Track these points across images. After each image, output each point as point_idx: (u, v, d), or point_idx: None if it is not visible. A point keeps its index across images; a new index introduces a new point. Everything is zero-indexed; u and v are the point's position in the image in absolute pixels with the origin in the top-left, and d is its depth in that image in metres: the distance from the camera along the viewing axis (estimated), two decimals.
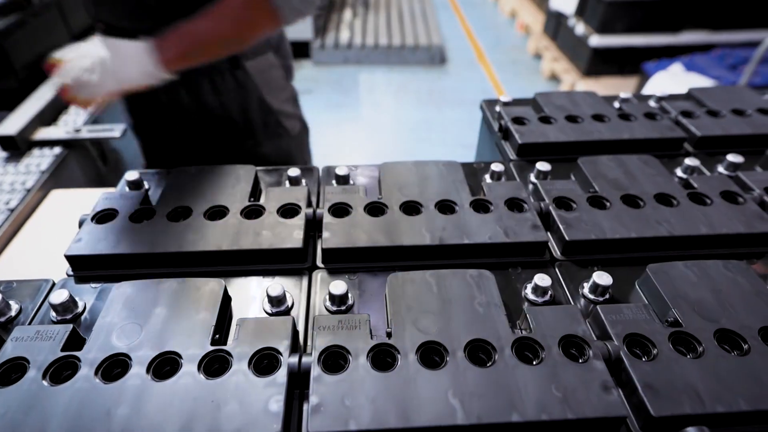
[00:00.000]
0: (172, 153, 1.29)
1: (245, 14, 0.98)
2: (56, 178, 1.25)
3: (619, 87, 3.83)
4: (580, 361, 0.58)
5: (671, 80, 3.31)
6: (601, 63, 3.97)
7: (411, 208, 0.81)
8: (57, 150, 1.30)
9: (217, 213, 0.79)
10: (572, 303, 0.70)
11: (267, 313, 0.68)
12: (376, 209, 0.81)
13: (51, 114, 1.41)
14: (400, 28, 4.79)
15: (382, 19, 4.94)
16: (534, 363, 0.58)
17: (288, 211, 0.80)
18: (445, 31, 5.25)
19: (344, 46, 4.45)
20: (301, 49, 4.47)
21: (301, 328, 0.67)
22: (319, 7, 1.08)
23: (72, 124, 1.40)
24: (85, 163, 1.37)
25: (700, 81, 3.23)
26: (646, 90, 3.39)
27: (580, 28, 3.94)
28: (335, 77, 4.33)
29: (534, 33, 4.80)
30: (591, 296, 0.70)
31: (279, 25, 1.04)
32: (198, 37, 0.98)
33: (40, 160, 1.26)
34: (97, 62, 0.93)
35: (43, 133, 1.32)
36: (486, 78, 4.48)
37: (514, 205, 0.82)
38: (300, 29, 4.28)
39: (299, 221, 0.77)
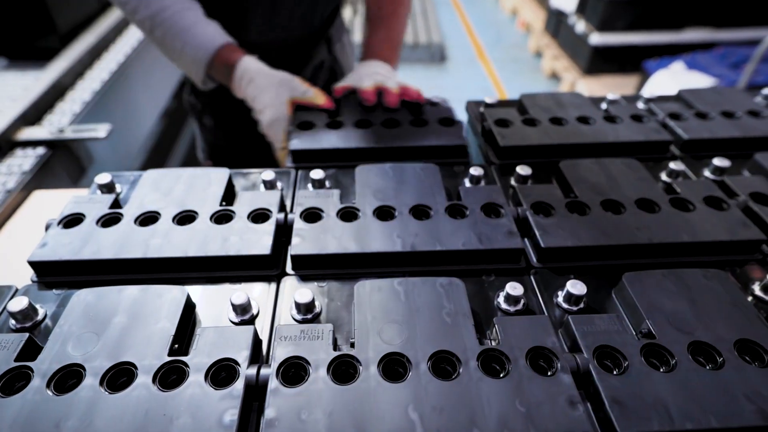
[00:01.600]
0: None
1: None
2: (39, 178, 1.24)
3: (620, 86, 3.79)
4: (549, 374, 0.56)
5: (672, 79, 3.27)
6: (601, 61, 3.93)
7: (385, 213, 0.79)
8: (40, 150, 1.29)
9: (187, 218, 0.78)
10: (546, 312, 0.68)
11: (231, 321, 0.66)
12: (349, 214, 0.79)
13: (35, 114, 1.40)
14: None
15: None
16: (501, 376, 0.56)
17: (259, 216, 0.79)
18: (445, 29, 5.22)
19: None
20: None
21: (266, 337, 0.65)
22: None
23: (56, 124, 1.39)
24: (70, 163, 1.36)
25: (702, 80, 3.19)
26: (646, 89, 3.36)
27: (580, 26, 3.91)
28: None
29: (535, 31, 4.77)
30: (565, 305, 0.68)
31: None
32: (400, 37, 1.23)
33: (23, 160, 1.25)
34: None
35: (27, 134, 1.31)
36: (486, 76, 4.46)
37: (491, 210, 0.80)
38: None
39: (269, 227, 0.75)
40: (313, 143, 0.98)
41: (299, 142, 0.97)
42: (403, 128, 1.03)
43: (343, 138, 0.99)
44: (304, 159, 0.98)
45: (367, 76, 1.12)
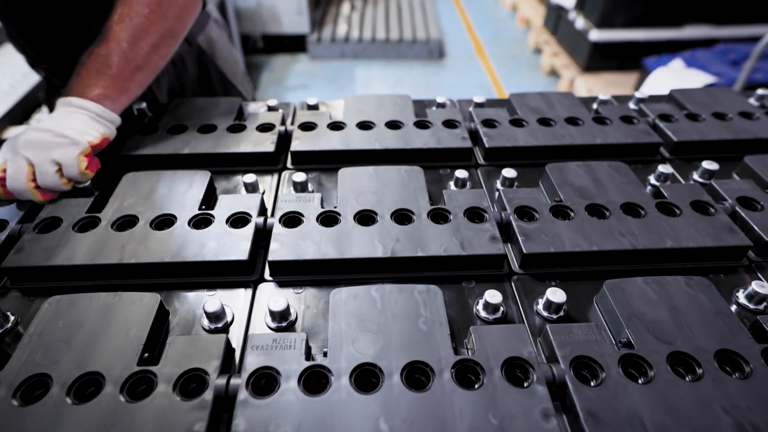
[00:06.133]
0: None
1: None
2: None
3: (619, 83, 3.76)
4: (524, 385, 0.55)
5: (671, 76, 3.24)
6: (600, 58, 3.90)
7: (366, 217, 0.78)
8: None
9: (165, 222, 0.76)
10: (525, 320, 0.67)
11: (205, 329, 0.65)
12: (329, 219, 0.78)
13: (22, 113, 1.39)
14: (399, 22, 4.73)
15: (381, 13, 4.88)
16: (475, 387, 0.55)
17: (239, 220, 0.77)
18: (444, 25, 5.19)
19: (341, 40, 4.40)
20: (297, 43, 4.43)
21: (240, 344, 0.64)
22: None
23: None
24: None
25: (701, 77, 3.16)
26: (646, 87, 3.33)
27: (580, 22, 3.87)
28: (331, 72, 4.29)
29: (534, 27, 4.73)
30: (545, 313, 0.67)
31: (198, 4, 0.96)
32: (122, 52, 0.84)
33: None
34: (25, 151, 0.78)
35: (13, 133, 1.30)
36: (485, 73, 4.43)
37: (474, 214, 0.79)
38: (296, 22, 4.24)
39: (248, 231, 0.74)
40: (313, 145, 0.95)
41: (299, 144, 0.96)
42: (405, 129, 0.99)
43: (344, 139, 0.96)
44: (304, 161, 0.96)
45: (29, 144, 0.78)
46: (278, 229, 0.74)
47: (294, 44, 4.46)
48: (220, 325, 0.65)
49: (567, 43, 4.18)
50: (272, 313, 0.64)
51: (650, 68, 3.42)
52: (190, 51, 1.26)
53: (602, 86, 3.73)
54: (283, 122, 1.04)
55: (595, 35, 3.70)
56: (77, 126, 0.81)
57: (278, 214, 0.77)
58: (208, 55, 1.29)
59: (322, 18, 4.71)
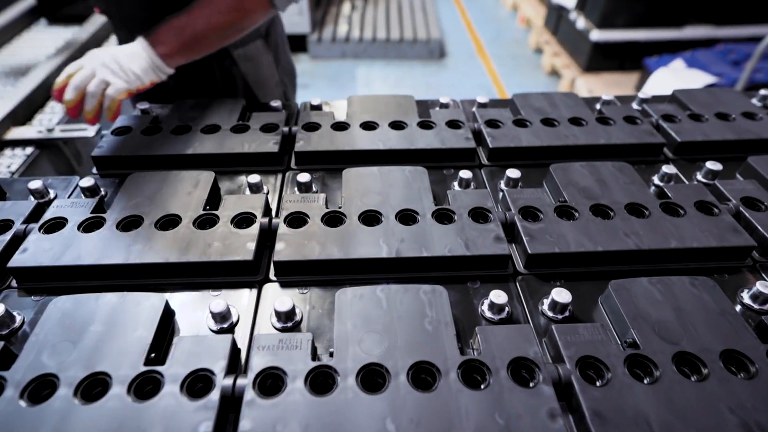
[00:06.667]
0: None
1: (239, 2, 1.03)
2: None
3: (620, 83, 3.76)
4: (530, 385, 0.55)
5: (672, 76, 3.24)
6: (601, 58, 3.90)
7: (371, 217, 0.78)
8: (29, 150, 1.27)
9: (170, 222, 0.76)
10: (530, 320, 0.67)
11: (210, 329, 0.65)
12: (334, 219, 0.78)
13: (24, 113, 1.39)
14: (399, 22, 4.73)
15: (381, 13, 4.88)
16: (481, 387, 0.55)
17: (243, 220, 0.77)
18: (445, 25, 5.19)
19: (342, 40, 4.40)
20: (298, 43, 4.42)
21: (246, 345, 0.64)
22: None
23: (46, 123, 1.38)
24: (59, 163, 1.35)
25: (702, 77, 3.16)
26: (647, 87, 3.33)
27: (580, 22, 3.87)
28: (332, 72, 4.29)
29: (535, 27, 4.73)
30: (550, 314, 0.67)
31: (271, 11, 1.07)
32: (195, 28, 1.03)
33: (11, 160, 1.24)
34: (98, 65, 0.98)
35: (16, 133, 1.30)
36: (485, 73, 4.43)
37: (479, 215, 0.79)
38: (297, 22, 4.24)
39: (253, 232, 0.74)
40: (317, 145, 0.96)
41: (303, 144, 0.96)
42: (409, 130, 0.99)
43: (348, 140, 0.97)
44: (309, 161, 0.96)
45: (90, 67, 0.99)
46: (283, 230, 0.75)
47: (295, 44, 4.46)
48: (225, 325, 0.65)
49: (568, 43, 4.18)
50: (278, 314, 0.64)
51: (651, 68, 3.42)
52: (219, 60, 1.24)
53: (603, 86, 3.73)
54: (286, 122, 1.04)
55: (596, 35, 3.69)
56: (137, 71, 1.01)
57: (283, 214, 0.77)
58: (239, 69, 1.29)
59: (323, 18, 4.71)
